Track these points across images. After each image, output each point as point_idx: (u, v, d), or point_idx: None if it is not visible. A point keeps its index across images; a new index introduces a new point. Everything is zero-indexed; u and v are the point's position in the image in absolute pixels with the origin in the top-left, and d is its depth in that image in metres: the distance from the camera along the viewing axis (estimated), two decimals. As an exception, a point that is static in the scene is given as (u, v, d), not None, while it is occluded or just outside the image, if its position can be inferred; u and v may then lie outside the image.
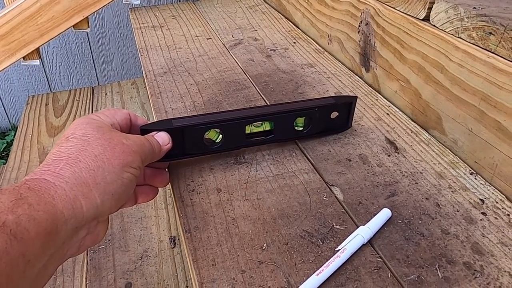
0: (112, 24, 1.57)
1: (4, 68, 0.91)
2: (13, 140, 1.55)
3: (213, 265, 0.36)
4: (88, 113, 1.11)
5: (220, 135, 0.47)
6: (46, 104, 1.15)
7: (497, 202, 0.43)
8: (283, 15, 0.97)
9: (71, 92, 1.20)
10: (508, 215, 0.41)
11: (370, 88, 0.65)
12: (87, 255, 0.69)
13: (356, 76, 0.69)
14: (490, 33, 0.43)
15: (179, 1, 1.56)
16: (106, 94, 1.19)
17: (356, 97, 0.52)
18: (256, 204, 0.42)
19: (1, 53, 0.89)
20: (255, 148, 0.50)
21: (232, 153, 0.49)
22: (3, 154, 1.55)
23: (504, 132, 0.43)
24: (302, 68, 0.71)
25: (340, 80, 0.67)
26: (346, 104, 0.52)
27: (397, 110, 0.59)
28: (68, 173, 0.31)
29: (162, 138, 0.42)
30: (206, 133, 0.46)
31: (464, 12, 0.46)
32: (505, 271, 0.36)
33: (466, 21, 0.46)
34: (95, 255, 0.69)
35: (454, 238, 0.39)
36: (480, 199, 0.43)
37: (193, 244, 0.38)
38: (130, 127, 0.42)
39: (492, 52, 0.43)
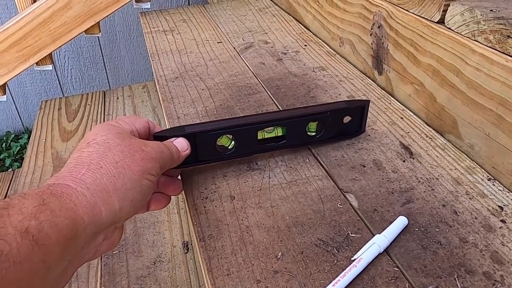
0: (122, 27, 1.58)
1: (18, 74, 0.92)
2: (26, 143, 1.57)
3: (227, 274, 0.36)
4: (101, 117, 1.12)
5: (233, 141, 0.46)
6: (58, 109, 1.16)
7: (516, 209, 0.42)
8: (293, 17, 0.97)
9: (83, 97, 1.21)
10: (528, 222, 0.40)
11: (383, 92, 0.64)
12: (101, 260, 0.70)
13: (369, 79, 0.68)
14: (508, 36, 0.42)
15: (189, 5, 1.57)
16: (117, 98, 1.20)
17: (369, 101, 0.52)
18: (270, 212, 0.42)
19: (14, 59, 0.90)
20: (268, 154, 0.50)
21: (244, 160, 0.49)
22: (17, 157, 1.57)
23: (523, 137, 0.42)
24: (313, 71, 0.70)
25: (352, 84, 0.66)
26: (359, 108, 0.51)
27: (411, 114, 0.58)
28: (90, 179, 0.32)
29: (181, 144, 0.42)
30: (219, 139, 0.46)
31: (481, 14, 0.45)
32: (526, 281, 0.35)
33: (483, 23, 0.45)
34: (109, 261, 0.69)
35: (473, 247, 0.38)
36: (499, 206, 0.42)
37: (208, 253, 0.38)
38: (148, 135, 0.42)
39: (511, 56, 0.42)
